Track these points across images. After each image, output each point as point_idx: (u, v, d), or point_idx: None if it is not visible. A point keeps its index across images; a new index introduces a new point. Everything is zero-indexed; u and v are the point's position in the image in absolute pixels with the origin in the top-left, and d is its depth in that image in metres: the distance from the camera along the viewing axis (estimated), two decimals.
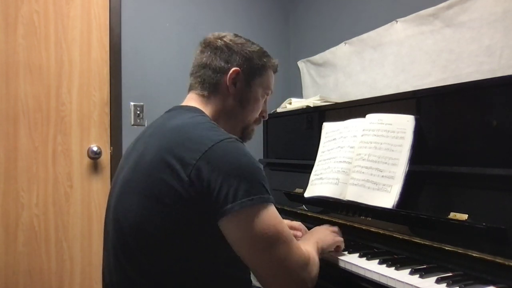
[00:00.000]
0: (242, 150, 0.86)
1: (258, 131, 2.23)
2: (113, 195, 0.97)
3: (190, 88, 1.06)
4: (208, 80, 1.02)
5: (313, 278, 0.90)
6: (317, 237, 1.07)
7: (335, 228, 1.20)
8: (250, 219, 0.81)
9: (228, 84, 1.01)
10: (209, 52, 1.03)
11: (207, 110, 1.01)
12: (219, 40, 1.03)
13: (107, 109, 2.13)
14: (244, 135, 1.10)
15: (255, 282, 0.94)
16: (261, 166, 0.88)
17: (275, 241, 0.82)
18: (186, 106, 1.02)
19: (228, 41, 1.03)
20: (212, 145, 0.83)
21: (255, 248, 0.83)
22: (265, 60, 1.07)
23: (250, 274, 0.97)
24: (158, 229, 0.84)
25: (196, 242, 0.84)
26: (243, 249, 0.83)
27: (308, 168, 1.55)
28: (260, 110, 1.11)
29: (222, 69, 1.01)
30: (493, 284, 0.87)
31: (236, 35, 1.06)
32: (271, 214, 0.83)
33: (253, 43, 1.07)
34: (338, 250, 1.15)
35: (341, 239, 1.15)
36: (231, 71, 1.01)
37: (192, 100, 1.04)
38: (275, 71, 1.12)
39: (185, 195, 0.81)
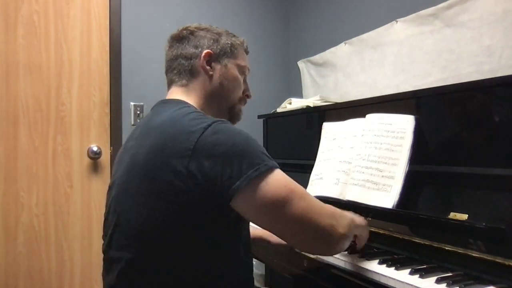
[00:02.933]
0: (232, 129, 0.87)
1: (258, 131, 2.25)
2: (111, 200, 0.97)
3: (170, 83, 1.08)
4: (183, 69, 1.03)
5: (344, 228, 0.88)
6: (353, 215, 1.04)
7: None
8: (260, 187, 0.81)
9: (203, 66, 1.02)
10: (177, 45, 1.06)
11: (190, 98, 1.02)
12: (184, 31, 1.06)
13: (107, 109, 2.13)
14: (232, 115, 1.10)
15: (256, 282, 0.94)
16: (254, 138, 0.88)
17: (290, 199, 0.82)
18: (170, 99, 1.03)
19: (192, 29, 1.06)
20: (202, 132, 0.83)
21: (274, 212, 0.82)
22: (233, 39, 1.08)
23: (252, 272, 0.97)
24: (160, 227, 0.84)
25: (197, 240, 0.84)
26: (263, 220, 0.84)
27: (308, 168, 1.55)
28: (242, 89, 1.11)
29: (194, 54, 1.03)
30: (493, 284, 0.87)
31: (200, 24, 1.08)
32: (279, 176, 0.83)
33: (217, 27, 1.09)
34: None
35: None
36: (203, 54, 1.02)
37: (173, 93, 1.04)
38: (246, 51, 1.13)
39: (185, 189, 0.81)
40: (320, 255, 0.88)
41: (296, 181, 0.85)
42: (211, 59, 1.03)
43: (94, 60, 2.10)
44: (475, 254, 0.93)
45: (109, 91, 2.14)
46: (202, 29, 1.06)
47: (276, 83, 2.68)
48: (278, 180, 0.83)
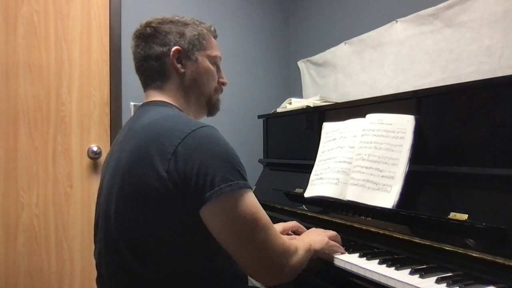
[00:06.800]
0: (215, 138, 0.86)
1: (258, 131, 2.26)
2: (100, 204, 0.97)
3: (144, 86, 1.06)
4: (154, 70, 1.01)
5: (293, 267, 0.90)
6: (311, 238, 1.07)
7: (333, 233, 1.16)
8: (229, 205, 0.81)
9: (174, 65, 1.00)
10: (143, 44, 1.02)
11: (169, 98, 1.02)
12: (148, 28, 1.02)
13: (107, 109, 2.13)
14: (211, 107, 1.10)
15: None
16: (236, 153, 0.88)
17: (253, 228, 0.83)
18: (151, 101, 1.02)
19: (156, 25, 1.02)
20: (184, 136, 0.83)
21: (234, 235, 0.83)
22: (199, 28, 1.05)
23: None
24: (145, 229, 0.84)
25: (184, 237, 0.84)
26: (222, 236, 0.84)
27: (308, 168, 1.55)
28: (216, 80, 1.09)
29: (163, 54, 1.00)
30: (493, 284, 0.87)
31: (163, 16, 1.05)
32: (249, 201, 0.84)
33: (182, 17, 1.06)
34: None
35: (336, 244, 1.12)
36: (171, 52, 1.00)
37: (151, 96, 1.04)
38: (215, 36, 1.11)
39: (164, 191, 0.81)
40: (264, 285, 0.91)
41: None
42: (180, 55, 1.01)
43: (94, 60, 2.10)
44: (475, 254, 0.93)
45: (109, 91, 2.14)
46: (166, 23, 1.03)
47: (276, 83, 2.68)
48: (247, 204, 0.83)
